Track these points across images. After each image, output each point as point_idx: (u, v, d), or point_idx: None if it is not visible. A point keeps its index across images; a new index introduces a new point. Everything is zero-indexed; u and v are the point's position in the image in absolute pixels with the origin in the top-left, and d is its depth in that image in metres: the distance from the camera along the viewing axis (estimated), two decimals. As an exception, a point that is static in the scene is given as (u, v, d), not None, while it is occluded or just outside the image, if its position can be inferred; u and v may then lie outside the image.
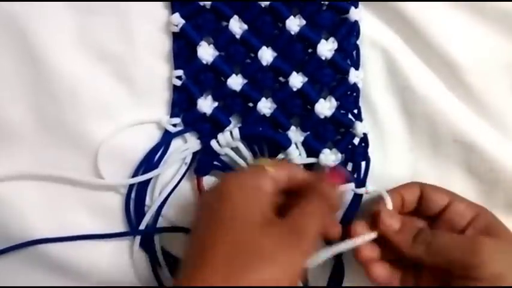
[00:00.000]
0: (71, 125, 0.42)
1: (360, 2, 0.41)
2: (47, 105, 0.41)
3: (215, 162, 0.43)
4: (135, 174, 0.43)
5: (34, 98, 0.41)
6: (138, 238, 0.43)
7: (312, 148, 0.42)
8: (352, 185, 0.41)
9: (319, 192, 0.35)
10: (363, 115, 0.42)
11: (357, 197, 0.41)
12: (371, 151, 0.42)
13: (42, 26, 0.41)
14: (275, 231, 0.32)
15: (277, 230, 0.32)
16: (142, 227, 0.43)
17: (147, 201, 0.43)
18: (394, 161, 0.43)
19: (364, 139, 0.42)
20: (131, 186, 0.43)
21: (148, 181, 0.43)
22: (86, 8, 0.41)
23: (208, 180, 0.43)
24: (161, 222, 0.44)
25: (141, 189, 0.43)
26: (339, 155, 0.42)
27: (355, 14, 0.40)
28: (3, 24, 0.40)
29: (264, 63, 0.41)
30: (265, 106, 0.42)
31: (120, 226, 0.44)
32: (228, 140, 0.42)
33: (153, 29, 0.42)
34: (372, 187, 0.42)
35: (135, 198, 0.43)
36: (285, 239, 0.32)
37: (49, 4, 0.41)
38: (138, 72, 0.42)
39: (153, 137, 0.43)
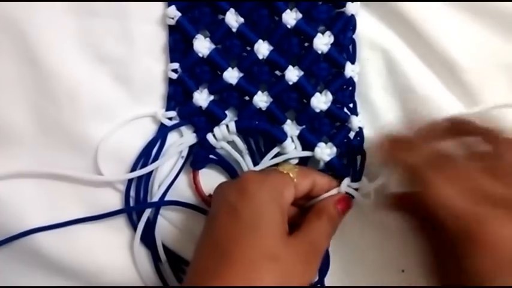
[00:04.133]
0: (70, 126, 0.42)
1: (359, 2, 0.40)
2: (47, 107, 0.42)
3: (211, 156, 0.43)
4: (133, 170, 0.43)
5: (34, 99, 0.41)
6: (138, 234, 0.43)
7: (307, 142, 0.42)
8: (347, 180, 0.41)
9: (329, 215, 0.37)
10: (363, 115, 0.42)
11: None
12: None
13: (42, 28, 0.41)
14: (294, 243, 0.33)
15: (297, 243, 0.34)
16: (142, 223, 0.43)
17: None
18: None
19: (360, 133, 0.42)
20: (130, 182, 0.43)
21: (146, 176, 0.43)
22: (85, 10, 0.41)
23: (204, 174, 0.43)
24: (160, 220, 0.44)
25: (140, 184, 0.43)
26: (334, 149, 0.42)
27: (352, 8, 0.40)
28: (3, 26, 0.40)
29: (260, 56, 0.40)
30: (261, 100, 0.41)
31: (120, 224, 0.44)
32: (224, 134, 0.42)
33: (152, 27, 0.41)
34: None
35: (135, 194, 0.43)
36: (303, 254, 0.33)
37: (49, 6, 0.40)
38: (137, 72, 0.42)
39: (150, 133, 0.43)
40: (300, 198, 0.38)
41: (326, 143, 0.42)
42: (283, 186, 0.36)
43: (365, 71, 0.42)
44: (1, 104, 0.41)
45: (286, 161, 0.42)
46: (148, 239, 0.43)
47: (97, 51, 0.41)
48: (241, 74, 0.41)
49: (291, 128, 0.42)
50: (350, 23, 0.40)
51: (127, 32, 0.41)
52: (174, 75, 0.42)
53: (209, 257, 0.32)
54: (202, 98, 0.42)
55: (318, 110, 0.41)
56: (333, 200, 0.38)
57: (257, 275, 0.31)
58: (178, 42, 0.41)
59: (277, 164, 0.42)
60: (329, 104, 0.41)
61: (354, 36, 0.41)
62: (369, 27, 0.41)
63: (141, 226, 0.43)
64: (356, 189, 0.41)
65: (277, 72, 0.41)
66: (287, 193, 0.35)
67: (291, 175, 0.37)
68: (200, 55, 0.41)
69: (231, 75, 0.41)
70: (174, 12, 0.40)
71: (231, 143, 0.43)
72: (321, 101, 0.41)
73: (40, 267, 0.43)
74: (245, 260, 0.31)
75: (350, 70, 0.41)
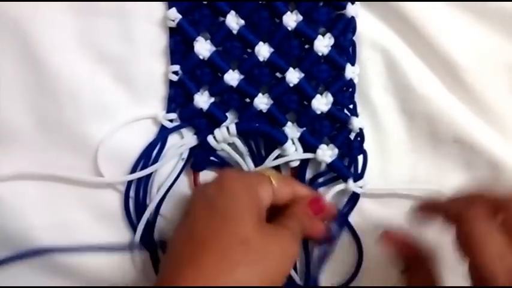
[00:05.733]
0: (71, 126, 0.42)
1: (359, 2, 0.41)
2: (47, 106, 0.41)
3: (212, 158, 0.43)
4: (133, 171, 0.43)
5: (34, 98, 0.41)
6: (138, 235, 0.43)
7: (308, 144, 0.42)
8: (351, 180, 0.41)
9: (297, 215, 0.37)
10: (363, 115, 0.43)
11: (354, 194, 0.42)
12: (371, 151, 0.42)
13: (43, 28, 0.40)
14: (267, 229, 0.34)
15: (270, 230, 0.34)
16: (142, 224, 0.42)
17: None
18: (394, 161, 0.44)
19: (360, 134, 0.42)
20: (130, 183, 0.43)
21: (146, 178, 0.43)
22: (86, 10, 0.41)
23: (205, 176, 0.43)
24: (160, 221, 0.44)
25: (140, 186, 0.43)
26: (336, 150, 0.42)
27: (352, 10, 0.40)
28: (4, 26, 0.40)
29: (261, 58, 0.41)
30: (262, 102, 0.42)
31: (120, 225, 0.44)
32: (225, 136, 0.42)
33: (153, 28, 0.42)
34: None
35: (135, 196, 0.43)
36: (278, 239, 0.34)
37: (50, 6, 0.40)
38: (138, 73, 0.42)
39: (150, 134, 0.43)
40: (280, 206, 0.38)
41: (327, 144, 0.42)
42: (258, 183, 0.36)
43: (365, 71, 0.42)
44: (1, 104, 0.41)
45: (287, 163, 0.42)
46: (147, 239, 0.43)
47: (98, 51, 0.41)
48: (242, 76, 0.41)
49: (291, 130, 0.42)
50: (350, 25, 0.41)
51: (128, 33, 0.41)
52: (175, 77, 0.42)
53: (185, 245, 0.33)
54: (202, 100, 0.42)
55: (318, 112, 0.41)
56: (303, 202, 0.38)
57: (229, 259, 0.31)
58: (179, 44, 0.41)
59: (276, 169, 0.43)
60: (329, 105, 0.41)
61: (354, 38, 0.41)
62: (370, 27, 0.41)
63: (140, 228, 0.43)
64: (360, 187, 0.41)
65: (278, 74, 0.41)
66: (263, 191, 0.36)
67: (271, 179, 0.37)
68: (201, 57, 0.41)
69: (232, 77, 0.41)
70: (174, 14, 0.40)
71: (232, 145, 0.43)
72: (321, 103, 0.41)
73: (40, 267, 0.43)
74: (218, 246, 0.32)
75: (350, 72, 0.41)
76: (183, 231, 0.34)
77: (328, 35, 0.40)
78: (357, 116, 0.42)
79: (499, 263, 0.32)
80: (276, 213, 0.38)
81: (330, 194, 0.41)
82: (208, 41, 0.41)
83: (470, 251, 0.32)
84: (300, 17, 0.40)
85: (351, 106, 0.42)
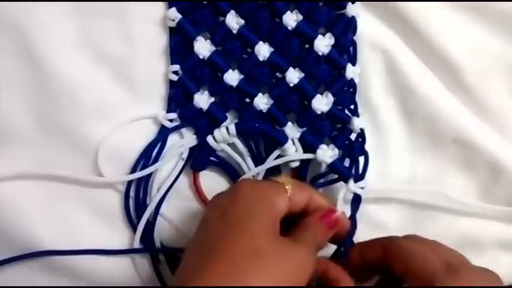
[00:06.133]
0: (71, 126, 0.42)
1: (360, 2, 0.41)
2: (47, 107, 0.42)
3: (212, 158, 0.43)
4: (133, 171, 0.43)
5: (34, 99, 0.42)
6: (138, 235, 0.43)
7: (309, 144, 0.42)
8: (351, 181, 0.41)
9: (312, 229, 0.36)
10: (363, 115, 0.42)
11: (358, 195, 0.41)
12: (371, 151, 0.42)
13: (42, 28, 0.41)
14: (282, 242, 0.33)
15: (285, 242, 0.33)
16: (142, 224, 0.43)
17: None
18: (394, 161, 0.44)
19: (361, 134, 0.42)
20: (130, 183, 0.43)
21: (146, 177, 0.43)
22: (86, 10, 0.41)
23: (205, 176, 0.43)
24: (160, 221, 0.44)
25: (140, 185, 0.43)
26: (336, 151, 0.42)
27: (352, 9, 0.40)
28: (3, 26, 0.40)
29: (261, 58, 0.41)
30: (262, 102, 0.41)
31: (120, 224, 0.44)
32: (224, 136, 0.42)
33: (153, 28, 0.42)
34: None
35: (135, 195, 0.43)
36: (291, 253, 0.33)
37: (49, 6, 0.40)
38: (138, 73, 0.42)
39: (150, 134, 0.43)
40: (296, 213, 0.37)
41: (328, 144, 0.42)
42: (274, 193, 0.35)
43: (365, 71, 0.42)
44: (1, 104, 0.41)
45: (287, 163, 0.42)
46: (147, 240, 0.43)
47: (98, 51, 0.41)
48: (242, 76, 0.41)
49: (291, 131, 0.42)
50: (351, 24, 0.41)
51: (128, 33, 0.41)
52: (175, 77, 0.42)
53: (197, 255, 0.33)
54: (203, 99, 0.42)
55: (319, 112, 0.41)
56: (316, 216, 0.37)
57: (240, 269, 0.30)
58: (179, 44, 0.41)
59: (276, 169, 0.43)
60: (330, 105, 0.41)
61: (354, 37, 0.41)
62: (370, 27, 0.41)
63: (140, 228, 0.43)
64: (361, 188, 0.41)
65: (278, 74, 0.41)
66: (278, 201, 0.35)
67: (286, 186, 0.36)
68: (201, 57, 0.41)
69: (232, 77, 0.41)
70: (174, 14, 0.40)
71: (232, 145, 0.42)
72: (322, 103, 0.41)
73: (40, 267, 0.43)
74: (229, 256, 0.31)
75: (351, 72, 0.41)
76: (196, 240, 0.34)
77: (329, 34, 0.40)
78: (358, 116, 0.42)
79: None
80: (291, 220, 0.37)
81: (340, 200, 0.40)
82: (208, 40, 0.41)
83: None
84: (300, 17, 0.40)
85: (352, 106, 0.42)
